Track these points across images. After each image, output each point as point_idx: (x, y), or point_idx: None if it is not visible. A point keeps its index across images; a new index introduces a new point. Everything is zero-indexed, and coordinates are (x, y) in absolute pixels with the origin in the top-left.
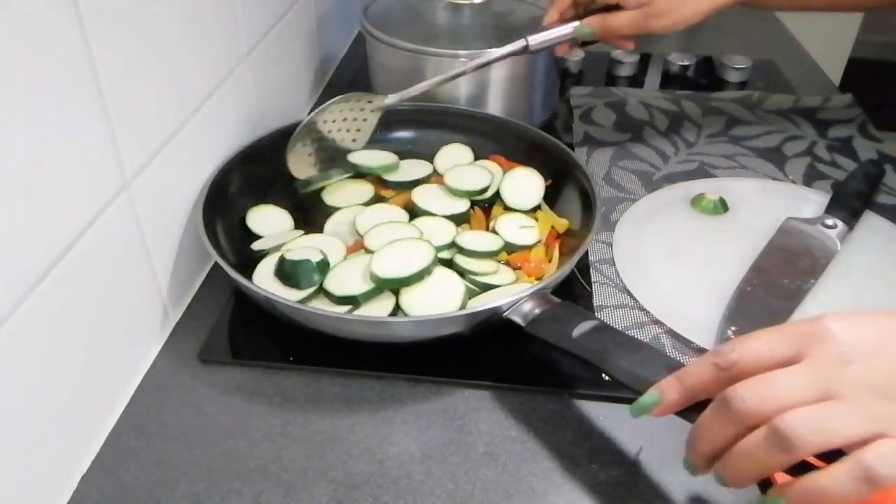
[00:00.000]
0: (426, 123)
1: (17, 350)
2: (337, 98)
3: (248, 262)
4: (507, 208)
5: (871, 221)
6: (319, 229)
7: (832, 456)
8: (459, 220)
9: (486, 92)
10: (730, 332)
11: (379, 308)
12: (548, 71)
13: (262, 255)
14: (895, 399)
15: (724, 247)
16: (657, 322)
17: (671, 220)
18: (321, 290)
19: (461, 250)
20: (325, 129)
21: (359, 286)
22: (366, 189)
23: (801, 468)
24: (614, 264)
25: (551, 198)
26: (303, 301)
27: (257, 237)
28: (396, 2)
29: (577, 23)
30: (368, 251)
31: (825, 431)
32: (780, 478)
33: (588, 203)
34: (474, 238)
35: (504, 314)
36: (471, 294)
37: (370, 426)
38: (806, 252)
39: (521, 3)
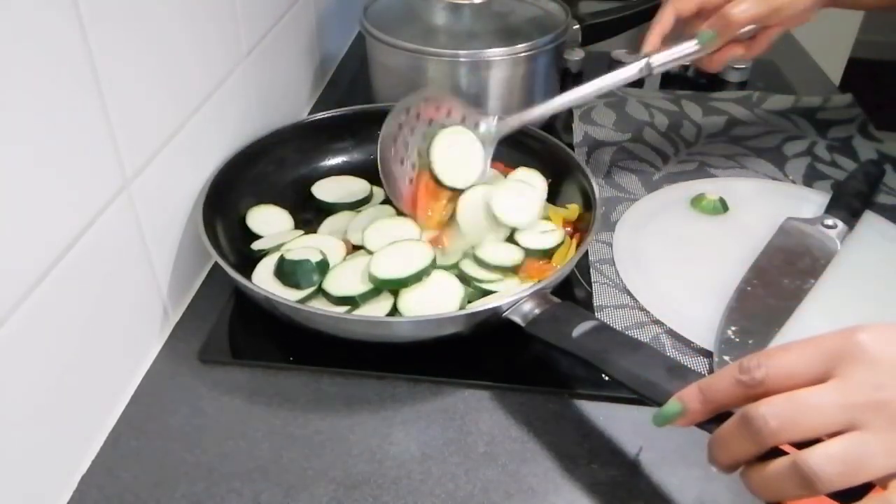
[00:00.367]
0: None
1: (17, 350)
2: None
3: (248, 262)
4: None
5: (871, 221)
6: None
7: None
8: None
9: (486, 92)
10: (730, 332)
11: (377, 308)
12: (548, 71)
13: (261, 255)
14: None
15: (724, 247)
16: (657, 322)
17: (671, 220)
18: (320, 291)
19: (479, 262)
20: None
21: (357, 287)
22: (362, 186)
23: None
24: (614, 264)
25: (551, 198)
26: (302, 301)
27: (257, 237)
28: (396, 2)
29: (694, 39)
30: (368, 252)
31: (851, 471)
32: None
33: (588, 203)
34: (495, 251)
35: (504, 314)
36: (470, 297)
37: (370, 426)
38: (806, 252)
39: (521, 3)
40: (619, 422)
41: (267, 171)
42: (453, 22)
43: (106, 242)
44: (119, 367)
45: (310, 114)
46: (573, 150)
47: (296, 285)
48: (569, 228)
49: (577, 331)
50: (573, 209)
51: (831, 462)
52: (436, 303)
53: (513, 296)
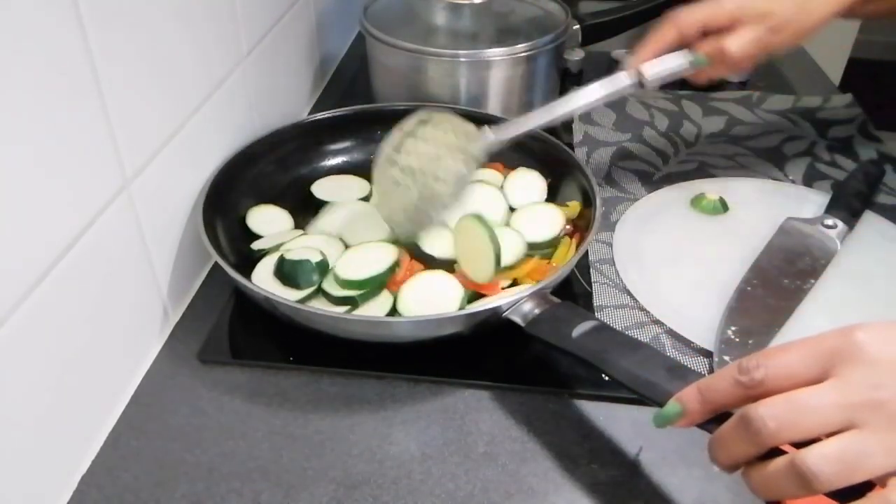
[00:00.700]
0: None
1: (17, 350)
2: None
3: (248, 262)
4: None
5: (871, 221)
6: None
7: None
8: None
9: (486, 92)
10: (730, 332)
11: (377, 308)
12: (548, 71)
13: (261, 255)
14: None
15: (724, 247)
16: (657, 322)
17: (671, 220)
18: (320, 291)
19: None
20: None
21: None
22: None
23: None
24: (614, 264)
25: (551, 197)
26: (302, 301)
27: (257, 237)
28: (396, 2)
29: (686, 54)
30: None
31: (849, 470)
32: None
33: (588, 203)
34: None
35: (504, 314)
36: (470, 297)
37: (370, 426)
38: (806, 252)
39: (521, 3)
40: (619, 422)
41: (267, 171)
42: (453, 22)
43: (106, 242)
44: (119, 367)
45: (310, 114)
46: (573, 150)
47: (295, 285)
48: (569, 227)
49: (577, 331)
50: (573, 206)
51: (829, 461)
52: (436, 303)
53: (513, 296)
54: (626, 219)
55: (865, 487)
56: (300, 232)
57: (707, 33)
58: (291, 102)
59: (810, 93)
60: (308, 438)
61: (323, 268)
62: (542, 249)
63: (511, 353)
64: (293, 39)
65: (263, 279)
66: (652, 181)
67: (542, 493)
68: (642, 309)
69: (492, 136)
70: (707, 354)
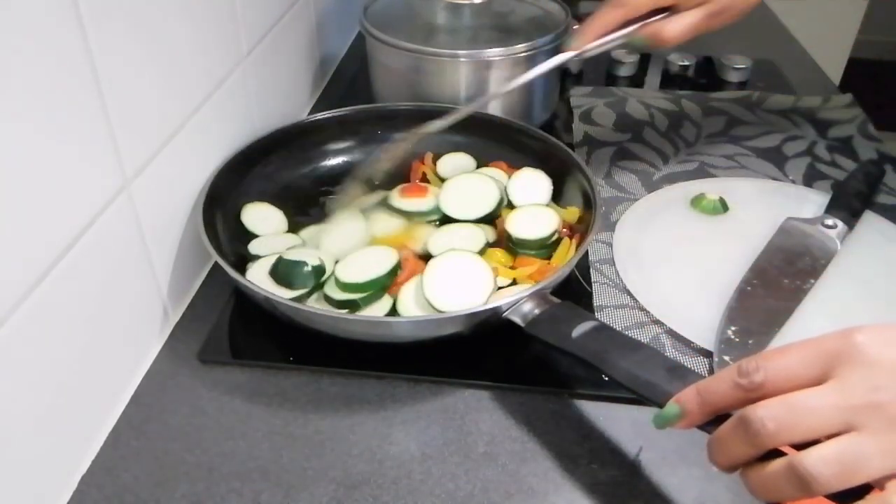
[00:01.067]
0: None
1: (17, 350)
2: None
3: (247, 263)
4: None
5: (871, 221)
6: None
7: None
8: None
9: (486, 92)
10: (730, 332)
11: (376, 308)
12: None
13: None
14: None
15: (724, 247)
16: (657, 322)
17: (671, 220)
18: (319, 292)
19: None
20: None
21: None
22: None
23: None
24: (614, 264)
25: (551, 198)
26: (299, 300)
27: (255, 236)
28: (396, 2)
29: (628, 30)
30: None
31: (847, 472)
32: None
33: (588, 203)
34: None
35: (504, 314)
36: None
37: (370, 426)
38: (806, 252)
39: (521, 3)
40: (619, 422)
41: (267, 171)
42: (453, 22)
43: (106, 242)
44: (119, 367)
45: (310, 114)
46: (573, 150)
47: (288, 285)
48: (566, 230)
49: (577, 331)
50: (572, 211)
51: (827, 464)
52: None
53: (513, 296)
54: (626, 219)
55: (864, 490)
56: (299, 240)
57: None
58: (291, 102)
59: (810, 93)
60: (308, 438)
61: (319, 272)
62: (530, 249)
63: (511, 353)
64: (293, 39)
65: (258, 278)
66: (652, 181)
67: (542, 493)
68: (642, 309)
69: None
70: (707, 354)
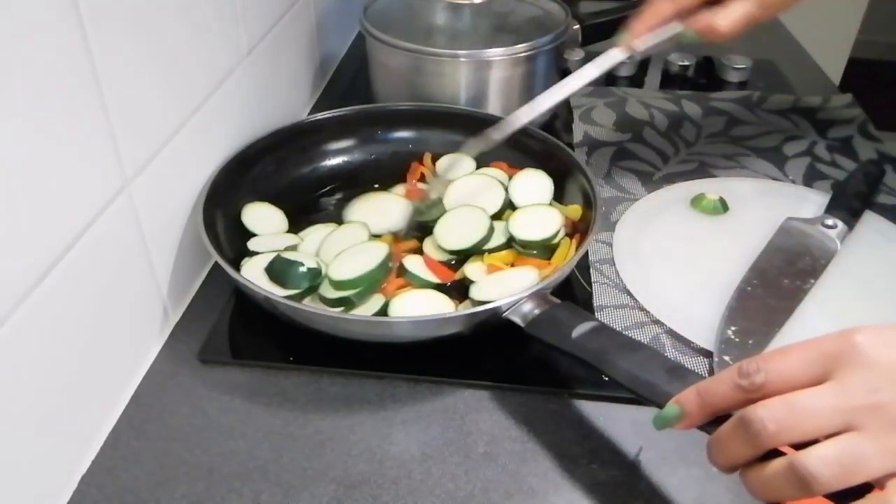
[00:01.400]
0: (426, 123)
1: (17, 350)
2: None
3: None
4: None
5: (871, 221)
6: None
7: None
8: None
9: (487, 92)
10: (730, 332)
11: (371, 307)
12: (548, 71)
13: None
14: None
15: (724, 247)
16: (657, 322)
17: (671, 220)
18: (314, 294)
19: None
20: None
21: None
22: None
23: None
24: (614, 264)
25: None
26: (294, 298)
27: (254, 235)
28: (396, 2)
29: (677, 25)
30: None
31: (847, 472)
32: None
33: (588, 203)
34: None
35: (503, 315)
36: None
37: (370, 426)
38: (806, 252)
39: (521, 3)
40: (619, 422)
41: (267, 171)
42: (453, 22)
43: (106, 242)
44: (119, 367)
45: (310, 114)
46: (573, 150)
47: (282, 284)
48: (569, 229)
49: (577, 331)
50: (575, 209)
51: (828, 463)
52: (425, 307)
53: (512, 296)
54: (626, 219)
55: (862, 490)
56: (298, 240)
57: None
58: (291, 102)
59: (810, 93)
60: (308, 438)
61: (314, 275)
62: (534, 249)
63: (511, 353)
64: (293, 39)
65: (254, 274)
66: (652, 181)
67: (542, 493)
68: (642, 309)
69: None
70: (707, 354)
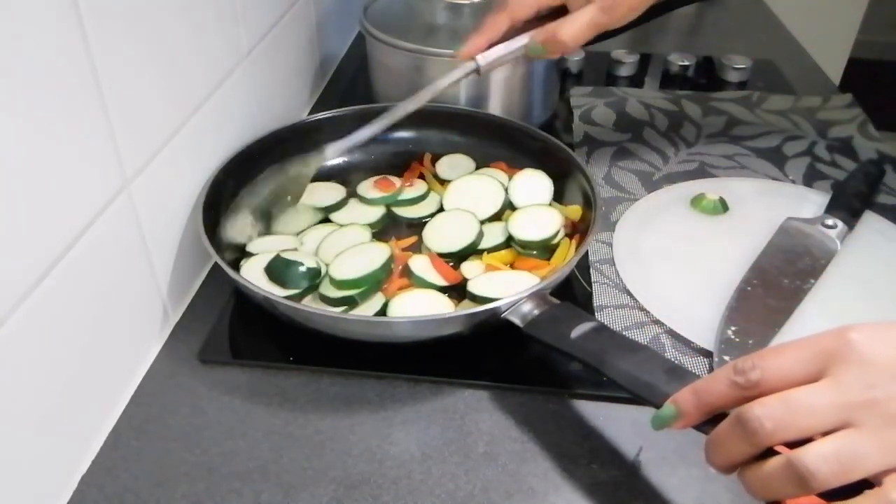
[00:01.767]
0: (426, 123)
1: (16, 350)
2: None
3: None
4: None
5: (871, 221)
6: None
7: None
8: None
9: (487, 92)
10: (730, 332)
11: (366, 306)
12: (548, 71)
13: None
14: None
15: (724, 247)
16: (657, 322)
17: (671, 220)
18: (315, 293)
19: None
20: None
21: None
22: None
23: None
24: (614, 264)
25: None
26: (294, 298)
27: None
28: (396, 2)
29: (525, 39)
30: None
31: (845, 469)
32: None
33: (588, 203)
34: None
35: (503, 315)
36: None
37: (370, 426)
38: (806, 252)
39: None
40: (619, 422)
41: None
42: (453, 22)
43: (106, 242)
44: (119, 367)
45: (310, 114)
46: (573, 150)
47: (281, 283)
48: (569, 229)
49: (576, 332)
50: (575, 209)
51: (826, 460)
52: (424, 307)
53: (512, 297)
54: (626, 219)
55: (858, 487)
56: (298, 242)
57: (541, 17)
58: (291, 102)
59: (810, 93)
60: (308, 438)
61: (314, 275)
62: (534, 249)
63: (511, 354)
64: (293, 39)
65: (253, 275)
66: (652, 181)
67: (542, 493)
68: (642, 309)
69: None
70: (707, 354)
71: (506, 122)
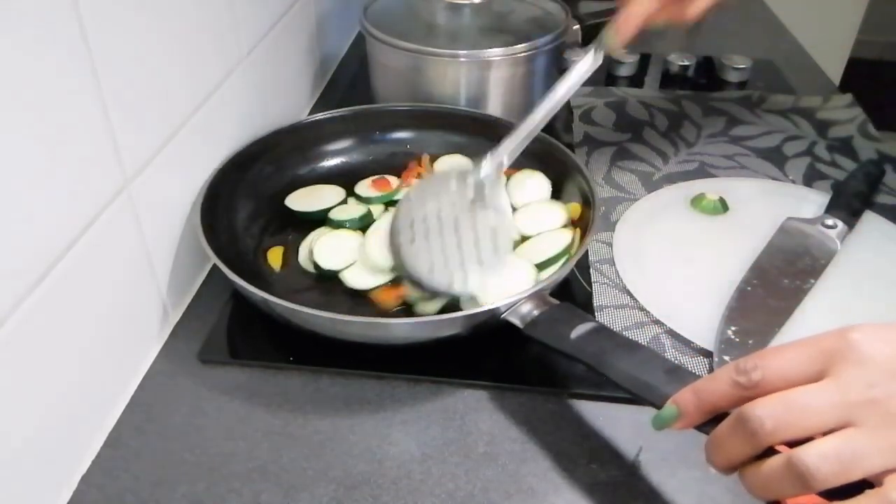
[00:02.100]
0: (426, 124)
1: (16, 350)
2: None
3: (246, 263)
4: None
5: (871, 221)
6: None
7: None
8: None
9: (486, 92)
10: (730, 332)
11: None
12: (548, 71)
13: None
14: None
15: (724, 247)
16: (657, 322)
17: (671, 220)
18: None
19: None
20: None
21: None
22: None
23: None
24: (614, 264)
25: (551, 198)
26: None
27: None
28: (396, 2)
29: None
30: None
31: (845, 468)
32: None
33: (587, 203)
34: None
35: (502, 316)
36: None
37: (370, 426)
38: (806, 252)
39: (521, 3)
40: (619, 422)
41: (266, 171)
42: (453, 22)
43: (106, 242)
44: (119, 367)
45: (310, 114)
46: (573, 150)
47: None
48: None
49: (576, 333)
50: (574, 208)
51: (826, 459)
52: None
53: (511, 297)
54: (626, 219)
55: (858, 486)
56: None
57: None
58: (291, 102)
59: (810, 93)
60: (308, 438)
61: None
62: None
63: (511, 354)
64: (293, 39)
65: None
66: (652, 181)
67: (542, 493)
68: (642, 309)
69: (487, 169)
70: (707, 354)
71: (505, 122)
